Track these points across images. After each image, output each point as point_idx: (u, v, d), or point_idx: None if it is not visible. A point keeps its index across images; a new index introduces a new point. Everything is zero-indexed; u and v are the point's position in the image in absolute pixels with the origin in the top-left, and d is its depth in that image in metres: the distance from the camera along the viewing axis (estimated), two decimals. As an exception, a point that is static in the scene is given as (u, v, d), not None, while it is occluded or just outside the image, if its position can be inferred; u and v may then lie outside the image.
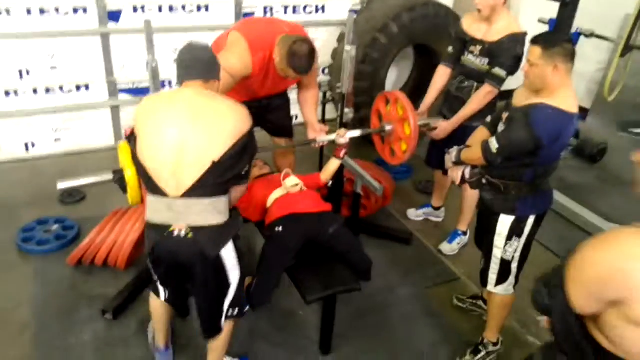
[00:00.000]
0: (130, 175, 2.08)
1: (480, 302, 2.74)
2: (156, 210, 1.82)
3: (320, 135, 2.72)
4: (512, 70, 2.66)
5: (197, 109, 1.79)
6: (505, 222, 2.23)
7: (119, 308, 2.56)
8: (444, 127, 2.88)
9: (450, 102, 2.95)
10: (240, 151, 1.81)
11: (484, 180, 2.36)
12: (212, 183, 1.77)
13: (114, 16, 3.79)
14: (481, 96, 2.73)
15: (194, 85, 1.87)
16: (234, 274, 1.95)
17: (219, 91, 1.97)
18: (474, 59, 2.79)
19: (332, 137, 2.68)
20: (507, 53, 2.62)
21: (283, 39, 2.43)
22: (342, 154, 2.66)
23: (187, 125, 1.76)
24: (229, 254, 1.89)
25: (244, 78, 2.53)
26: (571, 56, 2.02)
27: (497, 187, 2.26)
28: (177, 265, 1.87)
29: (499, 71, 2.64)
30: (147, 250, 1.90)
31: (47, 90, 3.82)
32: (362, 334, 2.60)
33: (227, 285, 1.96)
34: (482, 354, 2.44)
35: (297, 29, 2.66)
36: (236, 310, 2.05)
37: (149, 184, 1.82)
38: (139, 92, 4.07)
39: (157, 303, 2.18)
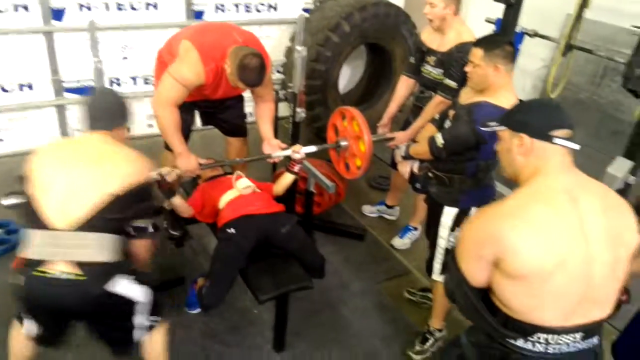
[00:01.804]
0: None
1: (430, 295, 2.81)
2: (36, 245, 1.72)
3: (276, 151, 2.72)
4: (462, 79, 2.58)
5: (96, 152, 1.84)
6: (449, 213, 2.32)
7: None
8: (400, 137, 2.91)
9: (414, 111, 2.99)
10: (134, 196, 1.80)
11: (430, 174, 2.44)
12: (101, 219, 1.73)
13: (58, 14, 3.67)
14: (432, 107, 2.75)
15: (99, 134, 1.92)
16: (136, 292, 1.85)
17: (124, 137, 2.01)
18: (431, 69, 2.85)
19: (288, 152, 2.69)
20: (456, 63, 2.64)
21: (234, 50, 2.42)
22: (296, 168, 2.67)
23: (83, 165, 1.79)
24: (123, 287, 1.80)
25: (196, 86, 2.52)
26: (511, 57, 2.13)
27: (442, 180, 2.35)
28: (59, 309, 1.79)
29: (449, 82, 2.67)
30: (17, 292, 1.76)
31: (-11, 90, 3.68)
32: (316, 331, 2.64)
33: (130, 307, 1.86)
34: (430, 341, 2.52)
35: (250, 38, 2.64)
36: (157, 317, 1.98)
37: (33, 217, 1.75)
38: (85, 91, 3.96)
39: (21, 338, 1.93)
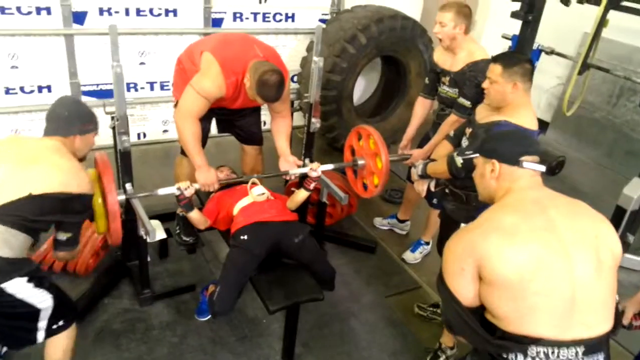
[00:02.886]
0: (99, 204, 2.09)
1: (440, 310, 2.79)
2: None
3: (293, 168, 2.72)
4: (476, 98, 2.60)
5: (34, 153, 1.85)
6: None
7: (77, 316, 2.49)
8: (416, 155, 2.91)
9: (435, 128, 2.98)
10: (55, 203, 1.79)
11: (446, 190, 2.43)
12: (16, 215, 1.72)
13: (79, 17, 3.71)
14: (447, 125, 2.75)
15: (50, 139, 1.95)
16: (39, 299, 1.82)
17: (80, 146, 2.02)
18: (447, 89, 2.85)
19: (305, 170, 2.69)
20: (468, 82, 2.64)
21: (255, 65, 2.43)
22: (312, 186, 2.67)
23: (16, 162, 1.80)
24: (18, 287, 1.75)
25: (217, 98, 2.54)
26: (530, 75, 2.12)
27: (460, 197, 2.33)
28: None
29: (463, 101, 2.67)
30: None
31: (7, 91, 3.71)
32: (325, 343, 2.62)
33: (29, 310, 1.81)
34: (442, 359, 2.49)
35: (271, 53, 2.65)
36: (60, 322, 1.93)
37: None
38: (103, 94, 3.99)
39: None
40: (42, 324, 1.88)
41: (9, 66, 3.64)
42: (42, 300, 1.83)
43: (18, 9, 3.51)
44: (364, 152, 2.83)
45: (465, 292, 1.47)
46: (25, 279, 1.76)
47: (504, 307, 1.41)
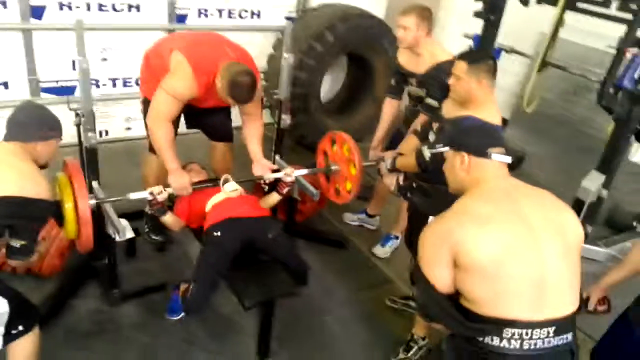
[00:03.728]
0: (70, 208, 2.02)
1: (411, 302, 2.83)
2: None
3: (267, 173, 2.71)
4: (443, 97, 2.57)
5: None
6: None
7: (43, 318, 2.40)
8: (388, 156, 2.93)
9: (408, 123, 3.00)
10: (16, 207, 1.75)
11: (414, 184, 2.48)
12: None
13: (37, 12, 3.58)
14: (418, 124, 2.78)
15: (9, 143, 1.92)
16: None
17: (41, 152, 1.97)
18: (415, 89, 2.89)
19: (280, 175, 2.70)
20: (435, 83, 2.66)
21: (227, 66, 2.41)
22: (285, 190, 2.69)
23: None
24: None
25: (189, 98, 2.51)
26: (493, 72, 2.19)
27: (426, 190, 2.38)
28: None
29: (430, 101, 2.70)
30: None
31: (-39, 87, 3.56)
32: (300, 338, 2.62)
33: None
34: (414, 349, 2.54)
35: (243, 54, 2.63)
36: (19, 327, 1.87)
37: None
38: (63, 91, 3.87)
39: None
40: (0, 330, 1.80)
41: (-37, 61, 3.48)
42: None
43: (-28, 2, 3.36)
44: (338, 158, 2.84)
45: (442, 279, 1.52)
46: None
47: (479, 291, 1.47)
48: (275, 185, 2.76)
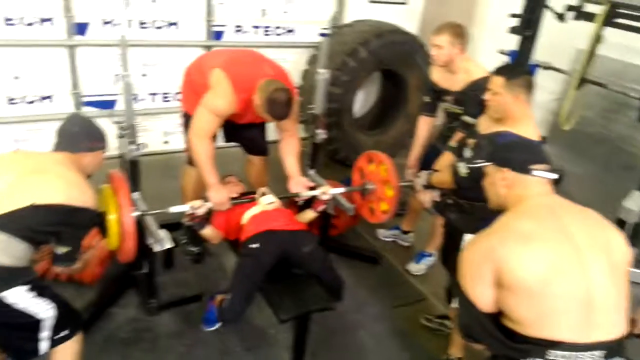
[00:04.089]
0: (114, 220, 2.07)
1: (447, 322, 2.79)
2: None
3: (303, 190, 2.73)
4: (480, 114, 2.56)
5: (41, 165, 1.87)
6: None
7: (84, 324, 2.45)
8: (424, 176, 2.93)
9: (444, 139, 2.99)
10: (57, 215, 1.79)
11: (449, 201, 2.45)
12: (18, 224, 1.73)
13: (81, 28, 3.72)
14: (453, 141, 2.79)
15: (58, 154, 1.98)
16: (41, 309, 1.81)
17: (87, 163, 2.04)
18: (451, 106, 2.88)
19: (316, 193, 2.71)
20: (472, 101, 2.65)
21: (264, 84, 2.46)
22: (320, 208, 2.70)
23: (22, 173, 1.82)
24: (18, 297, 1.74)
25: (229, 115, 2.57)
26: (531, 87, 2.17)
27: (463, 207, 2.35)
28: None
29: (468, 119, 2.68)
30: None
31: (10, 100, 3.70)
32: (333, 354, 2.61)
33: (30, 320, 1.80)
34: (451, 370, 2.49)
35: (280, 72, 2.68)
36: (64, 332, 1.91)
37: None
38: (104, 104, 4.00)
39: None
40: (45, 334, 1.85)
41: (12, 76, 3.63)
42: (43, 310, 1.81)
43: (22, 19, 3.51)
44: (374, 177, 2.84)
45: (484, 298, 1.49)
46: (25, 288, 1.74)
47: (523, 310, 1.43)
48: (310, 202, 2.78)
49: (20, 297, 1.73)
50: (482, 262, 1.48)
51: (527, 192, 1.59)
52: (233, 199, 2.60)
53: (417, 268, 3.29)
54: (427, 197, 2.68)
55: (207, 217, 2.62)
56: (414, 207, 3.42)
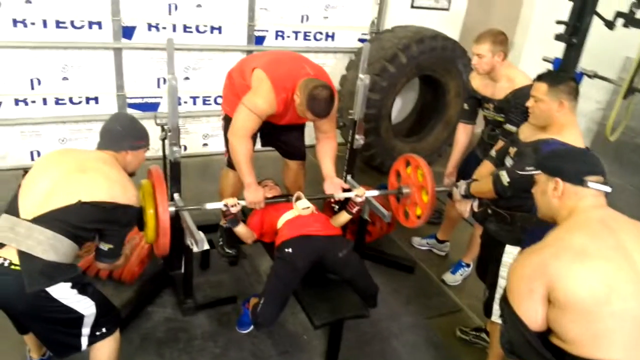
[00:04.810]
0: (151, 214, 2.11)
1: (483, 335, 2.73)
2: None
3: (339, 192, 2.73)
4: (524, 123, 2.58)
5: (85, 164, 1.92)
6: (511, 252, 2.25)
7: (122, 322, 2.51)
8: (463, 186, 2.90)
9: (484, 146, 2.94)
10: (101, 212, 1.84)
11: (489, 211, 2.39)
12: (64, 221, 1.77)
13: (128, 32, 3.83)
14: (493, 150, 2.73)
15: (102, 152, 2.04)
16: (83, 306, 1.85)
17: (130, 161, 2.10)
18: (492, 113, 2.83)
19: (351, 194, 2.70)
20: (514, 110, 2.61)
21: (305, 82, 2.47)
22: (355, 210, 2.70)
23: (67, 171, 1.87)
24: (62, 293, 1.78)
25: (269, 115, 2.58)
26: (575, 94, 2.09)
27: (504, 217, 2.29)
28: None
29: (510, 127, 2.63)
30: None
31: (57, 101, 3.83)
32: (366, 361, 2.59)
33: (73, 316, 1.84)
34: (487, 384, 2.43)
35: (320, 71, 2.69)
36: (103, 329, 1.96)
37: (12, 205, 1.83)
38: (148, 107, 4.10)
39: None
40: (86, 330, 1.90)
41: (61, 77, 3.77)
42: (85, 306, 1.86)
43: (72, 22, 3.64)
44: (410, 181, 2.81)
45: (533, 315, 1.42)
46: (69, 284, 1.79)
47: (576, 330, 1.37)
48: (345, 204, 2.77)
49: (65, 293, 1.78)
50: (533, 278, 1.41)
51: (580, 204, 1.52)
52: (268, 199, 2.62)
53: (453, 279, 3.23)
54: (466, 207, 2.63)
55: (244, 220, 2.65)
56: (450, 216, 3.37)
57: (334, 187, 2.74)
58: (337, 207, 3.01)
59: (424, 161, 2.72)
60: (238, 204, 2.47)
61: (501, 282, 2.28)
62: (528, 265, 1.44)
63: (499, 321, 2.30)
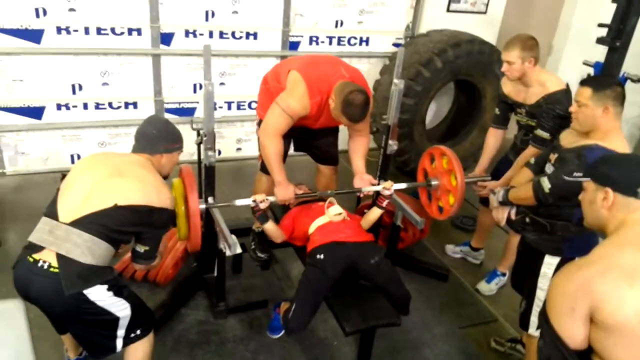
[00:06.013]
0: (182, 209, 2.16)
1: (519, 347, 2.66)
2: (38, 230, 1.83)
3: (367, 186, 2.72)
4: (556, 129, 2.52)
5: (122, 167, 1.95)
6: (550, 263, 2.19)
7: (155, 324, 2.56)
8: (491, 186, 2.84)
9: (517, 150, 2.89)
10: (137, 216, 1.87)
11: (527, 219, 2.33)
12: (101, 224, 1.80)
13: (167, 38, 3.92)
14: (525, 158, 2.65)
15: (138, 155, 2.07)
16: (118, 308, 1.88)
17: (164, 163, 2.14)
18: (525, 118, 2.78)
19: (378, 188, 2.70)
20: (546, 115, 2.56)
21: (340, 86, 2.47)
22: (384, 203, 2.68)
23: (105, 174, 1.90)
24: (99, 295, 1.81)
25: (301, 116, 2.59)
26: (621, 99, 2.02)
27: (543, 226, 2.23)
28: (26, 297, 1.83)
29: (541, 133, 2.58)
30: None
31: (97, 106, 3.95)
32: (397, 370, 2.56)
33: (108, 318, 1.88)
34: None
35: (356, 74, 2.69)
36: (138, 331, 1.99)
37: (51, 208, 1.87)
38: (184, 112, 4.18)
39: None
40: (121, 332, 1.94)
41: (101, 83, 3.88)
42: (121, 308, 1.89)
43: (112, 29, 3.74)
44: (437, 172, 2.81)
45: (574, 334, 1.34)
46: (106, 286, 1.83)
47: (622, 353, 1.29)
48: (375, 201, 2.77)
49: (101, 295, 1.82)
50: (577, 296, 1.32)
51: (631, 216, 1.41)
52: (298, 195, 2.63)
53: (487, 288, 3.16)
54: (503, 214, 2.57)
55: (278, 218, 2.65)
56: (484, 223, 3.30)
57: (362, 181, 2.74)
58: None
59: (446, 147, 2.71)
60: (267, 199, 2.48)
61: (539, 294, 2.22)
62: (572, 281, 1.36)
63: (536, 334, 2.25)
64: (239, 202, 2.50)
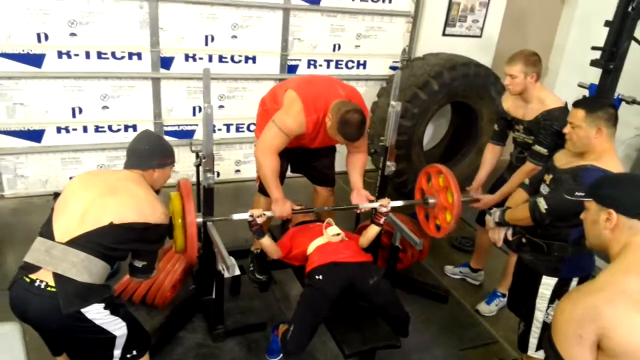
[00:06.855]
0: (179, 224, 2.15)
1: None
2: (33, 250, 1.84)
3: (364, 202, 2.74)
4: (553, 145, 2.58)
5: (115, 185, 1.96)
6: (548, 283, 2.19)
7: (153, 347, 2.53)
8: (487, 200, 2.87)
9: (512, 169, 2.91)
10: (132, 232, 1.89)
11: (523, 240, 2.33)
12: (97, 243, 1.82)
13: (166, 62, 3.97)
14: (522, 174, 2.69)
15: (130, 171, 2.07)
16: (115, 326, 1.88)
17: (156, 178, 2.14)
18: (522, 135, 2.81)
19: (375, 205, 2.71)
20: (544, 131, 2.60)
21: (337, 105, 2.50)
22: (382, 220, 2.69)
23: (98, 193, 1.91)
24: (96, 313, 1.81)
25: (297, 135, 2.61)
26: (614, 120, 2.05)
27: (539, 247, 2.23)
28: (23, 317, 1.83)
29: (539, 148, 2.62)
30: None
31: (97, 129, 3.97)
32: (397, 394, 2.53)
33: (104, 337, 1.87)
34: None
35: (353, 93, 2.73)
36: (134, 352, 1.98)
37: (46, 227, 1.88)
38: (184, 134, 4.21)
39: None
40: (117, 352, 1.93)
41: (101, 106, 3.91)
42: (117, 327, 1.89)
43: (113, 54, 3.79)
44: (434, 190, 2.83)
45: None
46: (103, 305, 1.83)
47: None
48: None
49: (98, 314, 1.82)
50: (584, 323, 1.29)
51: (634, 239, 1.40)
52: (295, 211, 2.65)
53: (488, 309, 3.14)
54: (500, 235, 2.57)
55: (277, 237, 2.66)
56: (482, 244, 3.30)
57: (360, 198, 2.75)
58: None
59: (442, 165, 2.74)
60: (264, 214, 2.49)
61: (537, 315, 2.22)
62: (577, 307, 1.33)
63: (536, 356, 2.23)
64: (237, 217, 2.51)
